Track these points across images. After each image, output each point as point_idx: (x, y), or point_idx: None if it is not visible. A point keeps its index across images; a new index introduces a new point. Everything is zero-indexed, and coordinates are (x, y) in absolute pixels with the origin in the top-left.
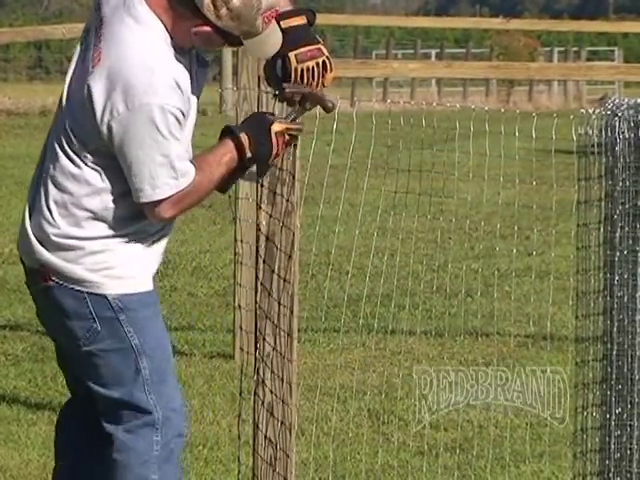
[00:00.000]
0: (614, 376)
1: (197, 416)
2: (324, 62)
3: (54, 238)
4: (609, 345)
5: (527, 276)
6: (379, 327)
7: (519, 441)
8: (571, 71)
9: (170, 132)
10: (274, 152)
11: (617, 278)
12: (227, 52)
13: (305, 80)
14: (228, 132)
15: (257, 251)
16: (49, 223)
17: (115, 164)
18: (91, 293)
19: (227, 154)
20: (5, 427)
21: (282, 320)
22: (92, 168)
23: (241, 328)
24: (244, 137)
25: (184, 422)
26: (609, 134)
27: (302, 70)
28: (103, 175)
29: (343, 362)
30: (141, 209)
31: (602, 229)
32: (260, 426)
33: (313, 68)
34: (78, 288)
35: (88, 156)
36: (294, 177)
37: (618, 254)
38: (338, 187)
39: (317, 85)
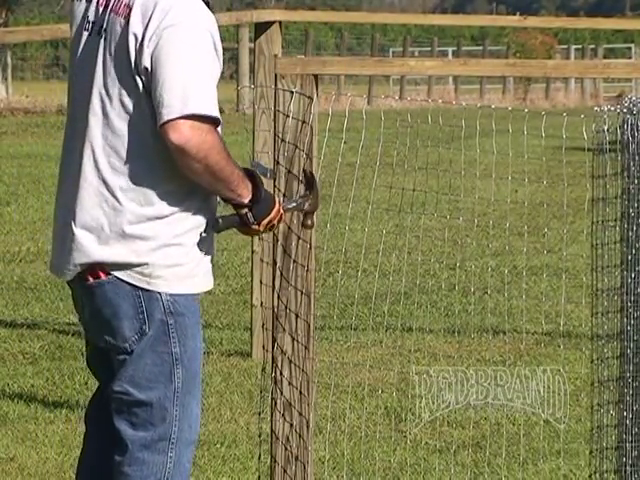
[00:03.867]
0: (631, 373)
1: (215, 414)
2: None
3: (128, 228)
4: (626, 342)
5: (544, 274)
6: (396, 325)
7: (536, 439)
8: (588, 69)
9: (209, 53)
10: (271, 213)
11: (633, 275)
12: (244, 50)
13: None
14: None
15: (274, 249)
16: (119, 212)
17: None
18: (146, 291)
19: (243, 181)
20: (23, 425)
21: (299, 318)
22: (140, 131)
23: (263, 325)
24: (260, 183)
25: (197, 434)
26: (625, 132)
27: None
28: (152, 132)
29: (360, 360)
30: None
31: (618, 226)
32: (277, 424)
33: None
34: (135, 284)
35: (134, 118)
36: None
37: (634, 251)
38: (355, 185)
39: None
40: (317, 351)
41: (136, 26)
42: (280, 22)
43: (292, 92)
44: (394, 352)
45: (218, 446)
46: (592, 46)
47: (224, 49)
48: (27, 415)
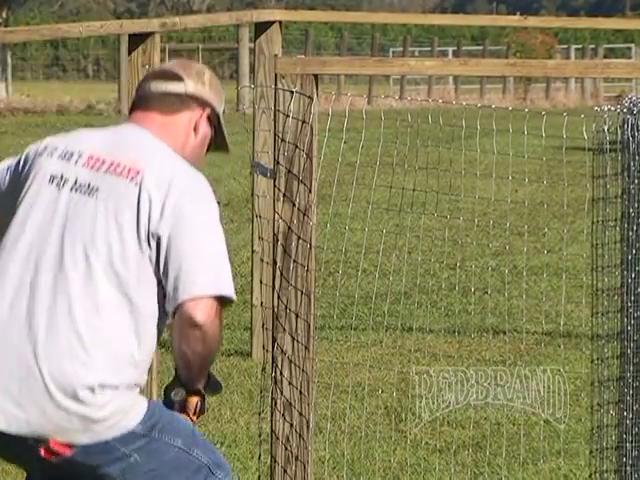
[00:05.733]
0: (631, 373)
1: (215, 414)
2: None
3: (90, 390)
4: (626, 342)
5: (544, 274)
6: (396, 325)
7: (536, 439)
8: (588, 69)
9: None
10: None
11: (633, 275)
12: (244, 50)
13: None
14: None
15: (274, 249)
16: (88, 369)
17: (149, 284)
18: (118, 435)
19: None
20: None
21: (299, 318)
22: (127, 293)
23: (263, 325)
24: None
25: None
26: (626, 131)
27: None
28: (143, 298)
29: (360, 360)
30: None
31: (618, 226)
32: (277, 424)
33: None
34: (103, 439)
35: (124, 279)
36: (311, 175)
37: (634, 251)
38: (355, 185)
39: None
40: (317, 351)
41: (152, 193)
42: (280, 22)
43: (292, 92)
44: (394, 352)
45: (218, 446)
46: (592, 46)
47: (224, 49)
48: None
